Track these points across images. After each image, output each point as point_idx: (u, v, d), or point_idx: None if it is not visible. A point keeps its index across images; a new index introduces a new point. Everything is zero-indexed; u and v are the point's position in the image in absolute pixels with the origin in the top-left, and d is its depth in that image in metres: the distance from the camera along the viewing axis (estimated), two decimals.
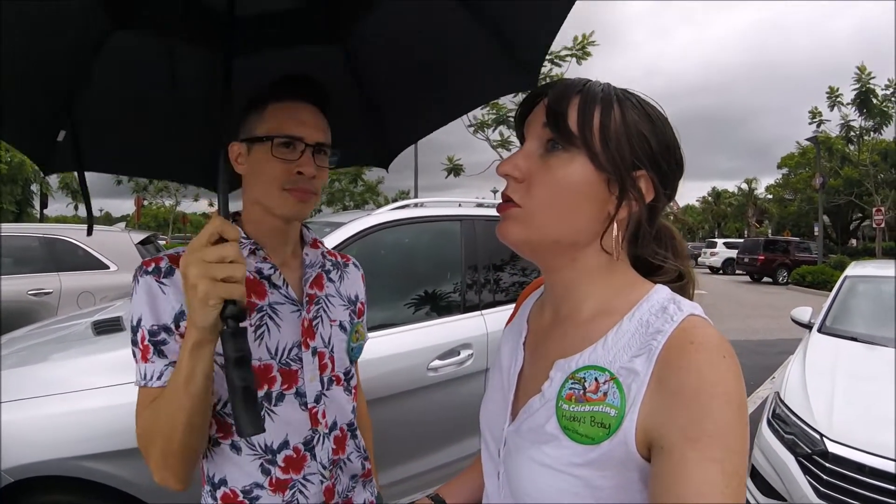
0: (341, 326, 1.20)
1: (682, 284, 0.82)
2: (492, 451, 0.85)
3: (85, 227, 1.46)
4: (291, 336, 1.10)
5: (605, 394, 0.68)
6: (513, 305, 3.40)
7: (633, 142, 0.73)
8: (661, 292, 0.75)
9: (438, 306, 3.07)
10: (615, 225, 0.74)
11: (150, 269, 1.02)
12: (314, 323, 1.14)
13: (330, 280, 1.24)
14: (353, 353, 1.24)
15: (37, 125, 1.26)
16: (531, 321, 0.91)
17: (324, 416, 1.13)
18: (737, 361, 0.64)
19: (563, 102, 0.74)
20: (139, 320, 0.99)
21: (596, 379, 0.70)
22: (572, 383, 0.72)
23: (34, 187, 31.40)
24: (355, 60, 1.38)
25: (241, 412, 0.80)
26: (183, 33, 1.21)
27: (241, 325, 0.84)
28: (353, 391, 1.24)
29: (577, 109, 0.73)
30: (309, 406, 1.10)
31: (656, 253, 0.82)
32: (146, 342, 0.98)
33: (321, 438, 1.12)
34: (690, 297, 0.80)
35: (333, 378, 1.17)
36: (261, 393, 1.05)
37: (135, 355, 1.00)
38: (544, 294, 0.90)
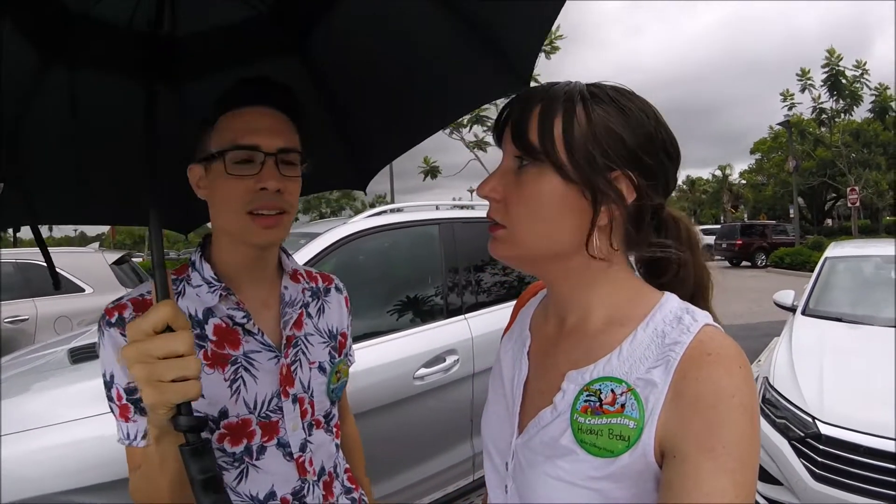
0: (321, 368, 1.10)
1: (686, 282, 0.80)
2: (497, 464, 0.83)
3: (60, 248, 1.32)
4: (270, 386, 1.01)
5: (623, 406, 0.66)
6: (495, 308, 3.32)
7: (602, 143, 0.69)
8: (673, 301, 0.73)
9: (421, 313, 3.01)
10: (596, 232, 0.71)
11: (113, 319, 0.92)
12: (293, 368, 1.05)
13: (308, 316, 1.13)
14: (334, 395, 1.14)
15: None
16: (534, 329, 0.88)
17: (311, 464, 1.06)
18: (751, 371, 0.64)
19: (526, 114, 0.71)
20: (112, 377, 0.91)
21: (612, 391, 0.68)
22: (587, 395, 0.70)
23: None
24: (316, 71, 1.23)
25: None
26: (119, 65, 1.08)
27: (203, 435, 0.74)
28: (336, 429, 1.16)
29: (537, 120, 0.70)
30: (295, 456, 1.03)
31: (651, 245, 0.77)
32: (124, 401, 0.91)
33: (311, 487, 1.05)
34: (709, 296, 0.82)
35: (314, 423, 1.08)
36: (240, 447, 0.98)
37: (112, 411, 0.93)
38: (547, 302, 0.88)
